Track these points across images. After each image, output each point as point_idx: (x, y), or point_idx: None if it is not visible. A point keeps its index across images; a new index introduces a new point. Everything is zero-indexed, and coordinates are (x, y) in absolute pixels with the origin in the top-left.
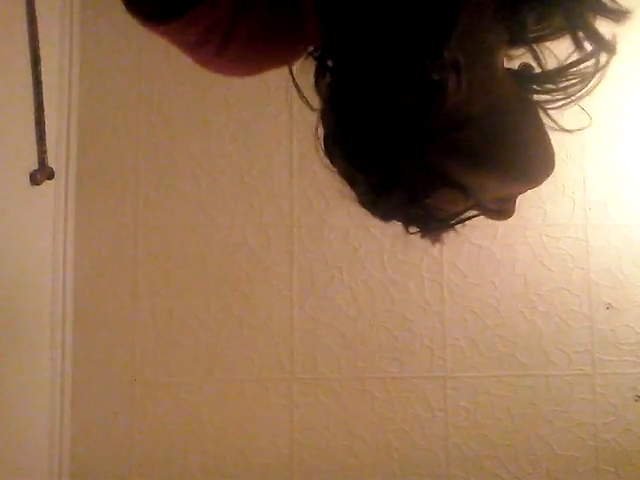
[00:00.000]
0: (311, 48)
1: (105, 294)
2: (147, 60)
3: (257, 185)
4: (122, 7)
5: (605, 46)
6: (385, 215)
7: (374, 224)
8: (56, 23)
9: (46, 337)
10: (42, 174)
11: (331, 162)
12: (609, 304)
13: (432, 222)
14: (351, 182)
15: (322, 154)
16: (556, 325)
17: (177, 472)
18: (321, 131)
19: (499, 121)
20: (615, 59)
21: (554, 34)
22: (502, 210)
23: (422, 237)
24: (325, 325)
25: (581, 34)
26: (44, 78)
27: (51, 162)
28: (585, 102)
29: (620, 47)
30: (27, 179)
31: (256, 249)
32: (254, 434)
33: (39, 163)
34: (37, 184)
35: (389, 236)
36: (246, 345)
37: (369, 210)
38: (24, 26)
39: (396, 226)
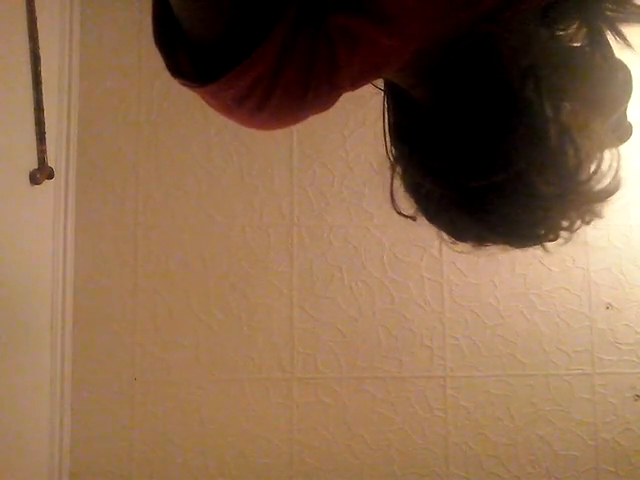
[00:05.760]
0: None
1: (105, 294)
2: (147, 60)
3: (257, 185)
4: (122, 7)
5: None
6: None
7: (374, 224)
8: (56, 23)
9: (46, 337)
10: (42, 174)
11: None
12: (609, 304)
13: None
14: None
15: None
16: (556, 325)
17: (177, 472)
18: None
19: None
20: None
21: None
22: (622, 134)
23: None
24: (325, 325)
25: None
26: (44, 78)
27: (51, 162)
28: None
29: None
30: (27, 179)
31: (256, 249)
32: (254, 434)
33: (39, 163)
34: (37, 184)
35: (389, 236)
36: (246, 345)
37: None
38: (24, 26)
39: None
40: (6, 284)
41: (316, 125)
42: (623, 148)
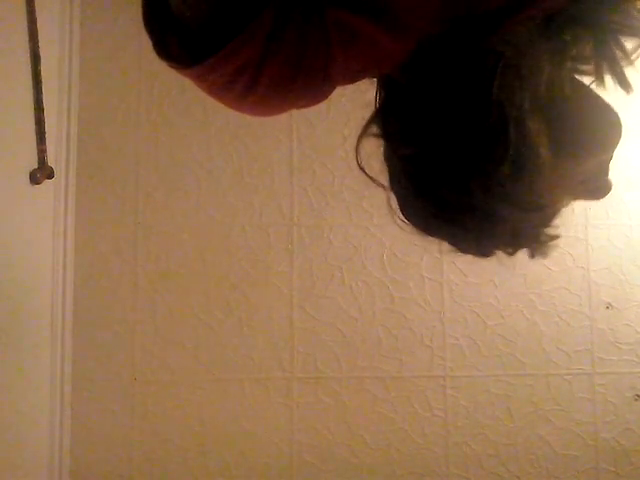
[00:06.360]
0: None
1: (105, 294)
2: (147, 60)
3: (257, 184)
4: (122, 7)
5: (624, 83)
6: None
7: (374, 223)
8: (56, 23)
9: (46, 337)
10: (42, 173)
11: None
12: (609, 303)
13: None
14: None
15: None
16: (556, 324)
17: (177, 472)
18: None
19: (560, 112)
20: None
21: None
22: (599, 187)
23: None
24: (325, 324)
25: (605, 67)
26: (44, 78)
27: (51, 161)
28: None
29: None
30: (27, 178)
31: (256, 249)
32: (254, 433)
33: (39, 162)
34: (37, 183)
35: (389, 235)
36: (246, 344)
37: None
38: (24, 26)
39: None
40: (6, 284)
41: (316, 125)
42: (623, 147)
